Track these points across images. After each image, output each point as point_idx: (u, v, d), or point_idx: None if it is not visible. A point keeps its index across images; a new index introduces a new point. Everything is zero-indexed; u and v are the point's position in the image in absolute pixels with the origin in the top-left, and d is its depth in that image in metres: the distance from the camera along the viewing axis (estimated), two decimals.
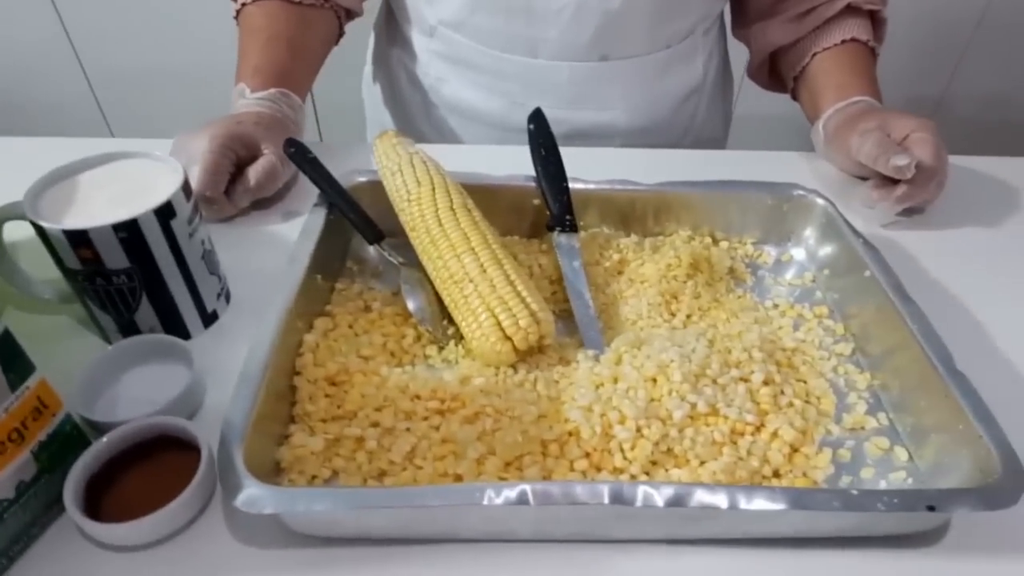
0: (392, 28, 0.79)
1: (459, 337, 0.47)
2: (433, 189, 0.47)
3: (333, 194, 0.50)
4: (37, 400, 0.33)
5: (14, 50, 1.44)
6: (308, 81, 0.69)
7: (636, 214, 0.56)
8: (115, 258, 0.41)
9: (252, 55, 0.65)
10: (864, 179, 0.64)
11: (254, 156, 0.58)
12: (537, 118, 0.55)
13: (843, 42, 0.69)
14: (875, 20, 0.71)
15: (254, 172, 0.56)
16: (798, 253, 0.56)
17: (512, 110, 0.71)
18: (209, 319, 0.48)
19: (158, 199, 0.41)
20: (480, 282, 0.44)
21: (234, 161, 0.56)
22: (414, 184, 0.48)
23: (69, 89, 1.47)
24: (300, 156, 0.52)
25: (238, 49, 0.67)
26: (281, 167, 0.58)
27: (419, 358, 0.46)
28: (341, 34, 0.74)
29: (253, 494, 0.32)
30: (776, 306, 0.52)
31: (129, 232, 0.40)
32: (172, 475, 0.37)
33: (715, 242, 0.56)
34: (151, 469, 0.38)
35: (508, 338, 0.43)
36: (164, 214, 0.42)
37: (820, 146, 0.68)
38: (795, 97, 0.76)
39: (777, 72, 0.78)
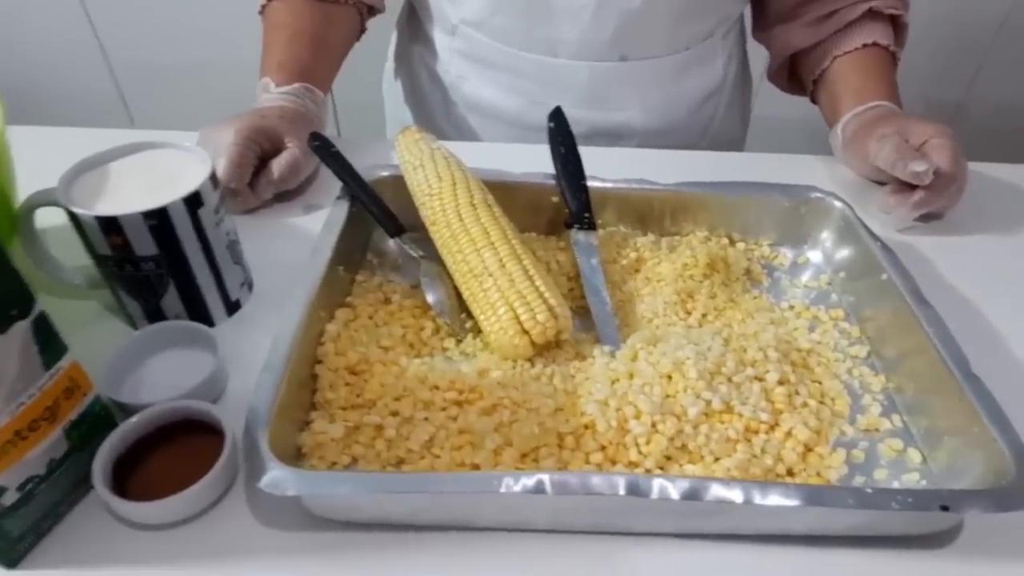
0: (414, 26, 0.79)
1: (476, 330, 0.47)
2: (454, 184, 0.48)
3: (356, 187, 0.51)
4: (69, 380, 0.34)
5: (40, 41, 1.46)
6: (331, 76, 0.70)
7: (653, 214, 0.56)
8: (144, 245, 0.42)
9: (276, 50, 0.66)
10: (881, 184, 0.64)
11: (277, 149, 0.58)
12: (557, 116, 0.56)
13: (864, 46, 0.69)
14: (896, 25, 0.71)
15: (277, 165, 0.57)
16: (814, 255, 0.56)
17: (530, 109, 0.72)
18: (232, 307, 0.49)
19: (187, 188, 0.42)
20: (499, 276, 0.45)
21: (258, 154, 0.57)
22: (435, 179, 0.49)
23: (93, 81, 1.49)
24: (324, 150, 0.53)
25: (262, 44, 0.68)
26: (303, 160, 0.59)
27: (437, 350, 0.47)
28: (363, 30, 0.75)
29: (277, 476, 0.33)
30: (792, 307, 0.52)
31: (159, 220, 0.41)
32: (195, 457, 0.38)
33: (732, 243, 0.57)
34: (175, 451, 0.39)
35: (526, 332, 0.43)
36: (192, 203, 0.43)
37: (838, 150, 0.68)
38: (814, 100, 0.76)
39: (796, 75, 0.78)
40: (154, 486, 0.37)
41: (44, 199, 0.42)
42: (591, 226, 0.51)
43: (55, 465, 0.35)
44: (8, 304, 0.30)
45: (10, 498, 0.33)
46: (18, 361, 0.31)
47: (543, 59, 0.68)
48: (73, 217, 0.41)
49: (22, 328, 0.31)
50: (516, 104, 0.72)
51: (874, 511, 0.33)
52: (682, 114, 0.74)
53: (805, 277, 0.55)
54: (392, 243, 0.52)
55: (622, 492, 0.33)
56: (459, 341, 0.47)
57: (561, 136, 0.55)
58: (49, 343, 0.33)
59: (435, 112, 0.80)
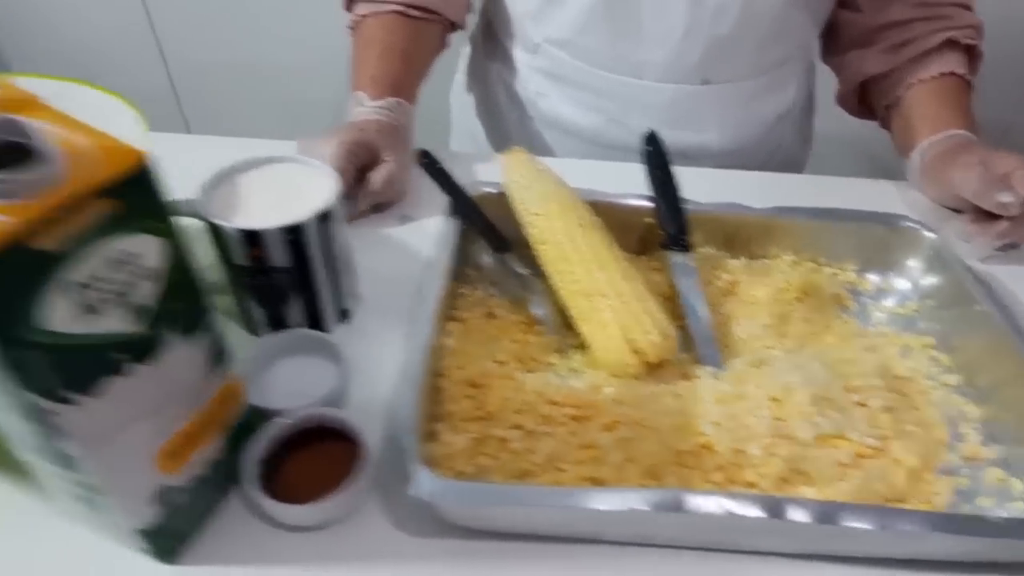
0: (491, 42, 0.81)
1: (580, 346, 0.49)
2: (564, 206, 0.50)
3: (462, 204, 0.53)
4: (228, 385, 0.36)
5: (97, 36, 1.49)
6: (418, 90, 0.72)
7: (741, 237, 0.58)
8: (279, 257, 0.44)
9: (369, 65, 0.68)
10: (956, 211, 0.65)
11: (375, 162, 0.60)
12: (653, 140, 0.57)
13: (941, 75, 0.70)
14: (972, 54, 0.73)
15: (377, 177, 0.59)
16: (901, 283, 0.57)
17: (608, 127, 0.73)
18: (343, 316, 0.51)
19: (319, 204, 0.44)
20: (612, 297, 0.46)
21: (358, 166, 0.59)
22: (545, 200, 0.50)
23: (148, 80, 1.52)
24: (431, 167, 0.54)
25: (352, 58, 0.70)
26: (400, 174, 0.60)
27: (544, 365, 0.48)
28: (445, 46, 0.77)
29: (430, 484, 0.35)
30: (883, 335, 0.53)
31: (295, 234, 0.43)
32: (328, 462, 0.40)
33: (818, 267, 0.58)
34: (310, 455, 0.41)
35: (638, 351, 0.45)
36: (324, 218, 0.45)
37: (914, 176, 0.69)
38: (885, 125, 0.77)
39: (867, 99, 0.79)
40: (294, 489, 0.38)
41: (185, 209, 0.44)
42: (687, 248, 0.53)
43: (214, 467, 0.37)
44: (198, 316, 0.32)
45: (180, 497, 0.34)
46: (201, 368, 0.33)
47: (627, 80, 0.70)
48: (214, 229, 0.43)
49: (207, 338, 0.33)
50: (594, 122, 0.74)
51: (1014, 539, 0.35)
52: (755, 135, 0.76)
53: (890, 303, 0.56)
54: (488, 257, 0.54)
55: (760, 514, 0.34)
56: (564, 357, 0.49)
57: (658, 159, 0.56)
58: (219, 351, 0.35)
59: (510, 127, 0.82)
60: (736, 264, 0.56)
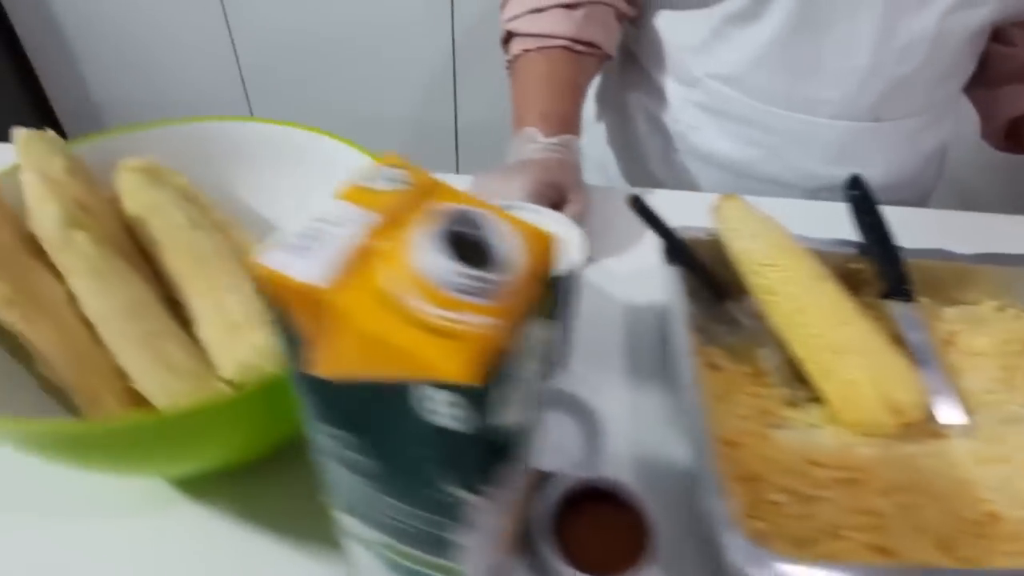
0: (633, 72, 0.81)
1: (816, 400, 0.48)
2: (798, 256, 0.49)
3: (679, 249, 0.52)
4: None
5: (177, 50, 1.50)
6: (580, 123, 0.71)
7: (942, 282, 0.56)
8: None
9: (539, 100, 0.67)
10: None
11: (563, 202, 0.60)
12: (858, 183, 0.56)
13: None
14: None
15: (571, 217, 0.58)
16: None
17: (768, 161, 0.72)
18: (565, 362, 0.50)
19: (575, 257, 0.44)
20: (861, 352, 0.45)
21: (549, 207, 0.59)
22: (775, 249, 0.49)
23: (225, 94, 1.52)
24: (643, 210, 0.54)
25: (515, 94, 0.70)
26: (587, 212, 0.60)
27: (780, 419, 0.47)
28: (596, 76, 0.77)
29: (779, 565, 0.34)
30: None
31: (556, 283, 0.43)
32: (604, 529, 0.39)
33: (1020, 313, 0.57)
34: (586, 522, 0.40)
35: (895, 410, 0.44)
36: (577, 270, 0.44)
37: None
38: None
39: (1017, 133, 0.78)
40: (582, 560, 0.37)
41: None
42: (910, 298, 0.52)
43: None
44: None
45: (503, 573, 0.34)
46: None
47: (799, 116, 0.69)
48: None
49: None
50: (752, 156, 0.73)
51: None
52: (915, 170, 0.75)
53: None
54: (705, 305, 0.53)
55: None
56: (799, 410, 0.48)
57: (865, 202, 0.55)
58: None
59: (650, 157, 0.81)
60: (952, 313, 0.55)
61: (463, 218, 0.24)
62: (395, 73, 1.49)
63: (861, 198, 0.56)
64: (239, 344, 0.40)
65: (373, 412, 0.25)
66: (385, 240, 0.24)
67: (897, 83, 0.65)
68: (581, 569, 0.36)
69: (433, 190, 0.27)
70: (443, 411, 0.23)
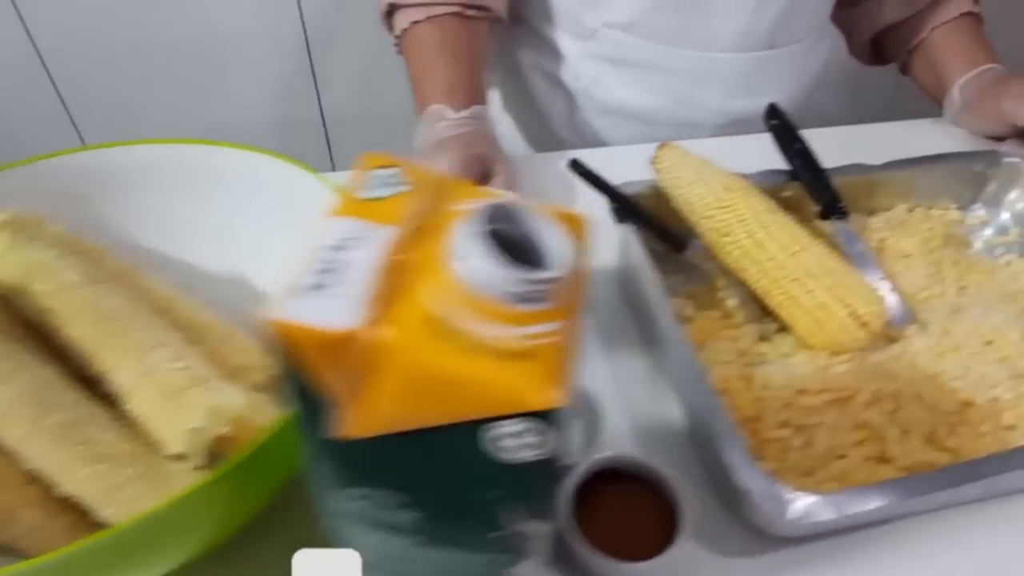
0: (522, 33, 0.78)
1: (783, 330, 0.49)
2: (746, 193, 0.49)
3: (626, 207, 0.51)
4: None
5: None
6: (485, 91, 0.68)
7: (859, 194, 0.60)
8: None
9: (440, 74, 0.63)
10: (998, 139, 0.71)
11: (489, 175, 0.57)
12: (776, 112, 0.58)
13: (960, 15, 0.76)
14: None
15: (498, 190, 0.56)
16: (1003, 215, 0.62)
17: (676, 106, 0.73)
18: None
19: None
20: (823, 276, 0.47)
21: (475, 182, 0.55)
22: (724, 191, 0.49)
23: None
24: (585, 173, 0.52)
25: (412, 70, 0.65)
26: (514, 181, 0.57)
27: (757, 355, 0.48)
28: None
29: (803, 504, 0.34)
30: (1009, 263, 0.57)
31: None
32: (624, 507, 0.38)
33: (927, 212, 0.61)
34: (606, 504, 0.38)
35: (864, 324, 0.46)
36: None
37: (954, 111, 0.74)
38: (905, 70, 0.82)
39: (881, 48, 0.84)
40: (607, 542, 0.36)
41: None
42: (845, 214, 0.54)
43: None
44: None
45: None
46: None
47: (697, 54, 0.69)
48: None
49: None
50: (659, 102, 0.73)
51: None
52: (803, 96, 0.78)
53: (989, 233, 0.61)
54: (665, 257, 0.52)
55: None
56: (770, 343, 0.49)
57: (786, 130, 0.57)
58: None
59: (552, 118, 0.79)
60: (876, 222, 0.58)
61: (501, 214, 0.21)
62: (244, 73, 1.35)
63: (781, 127, 0.57)
64: (186, 411, 0.33)
65: (423, 464, 0.22)
66: (413, 254, 0.21)
67: (790, 7, 0.67)
68: (612, 555, 0.35)
69: (443, 186, 0.23)
70: (515, 443, 0.20)
